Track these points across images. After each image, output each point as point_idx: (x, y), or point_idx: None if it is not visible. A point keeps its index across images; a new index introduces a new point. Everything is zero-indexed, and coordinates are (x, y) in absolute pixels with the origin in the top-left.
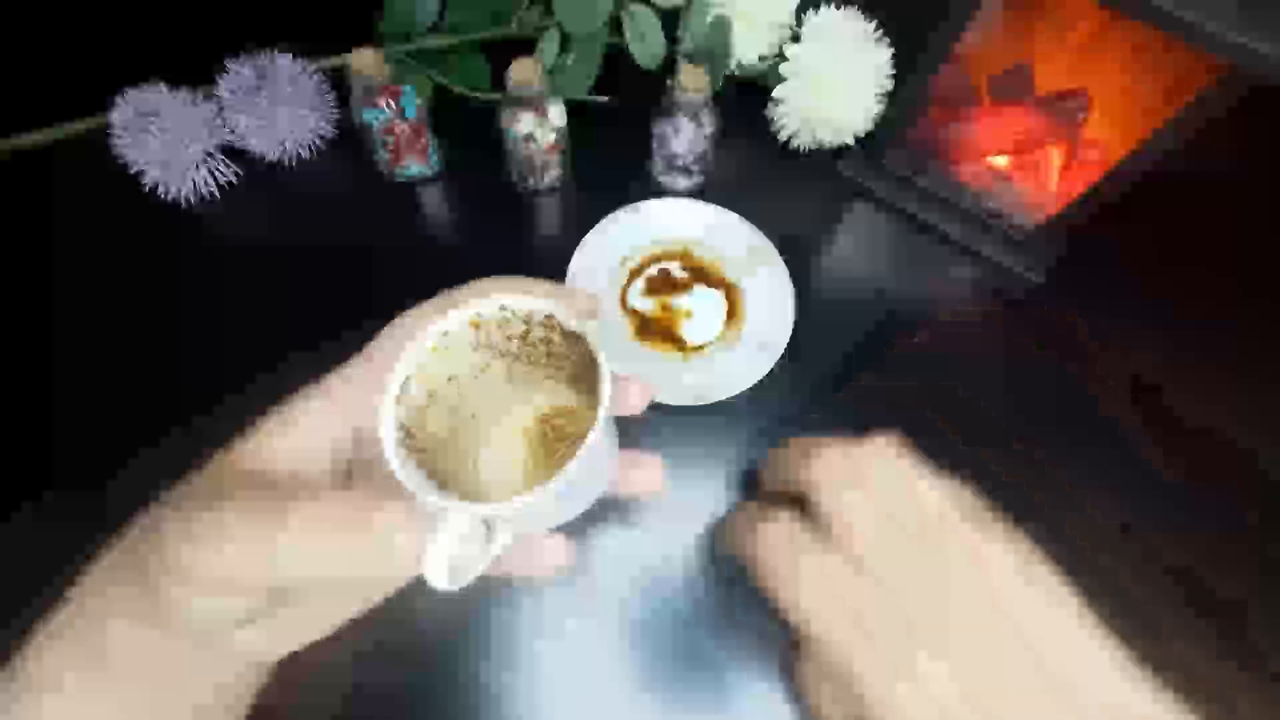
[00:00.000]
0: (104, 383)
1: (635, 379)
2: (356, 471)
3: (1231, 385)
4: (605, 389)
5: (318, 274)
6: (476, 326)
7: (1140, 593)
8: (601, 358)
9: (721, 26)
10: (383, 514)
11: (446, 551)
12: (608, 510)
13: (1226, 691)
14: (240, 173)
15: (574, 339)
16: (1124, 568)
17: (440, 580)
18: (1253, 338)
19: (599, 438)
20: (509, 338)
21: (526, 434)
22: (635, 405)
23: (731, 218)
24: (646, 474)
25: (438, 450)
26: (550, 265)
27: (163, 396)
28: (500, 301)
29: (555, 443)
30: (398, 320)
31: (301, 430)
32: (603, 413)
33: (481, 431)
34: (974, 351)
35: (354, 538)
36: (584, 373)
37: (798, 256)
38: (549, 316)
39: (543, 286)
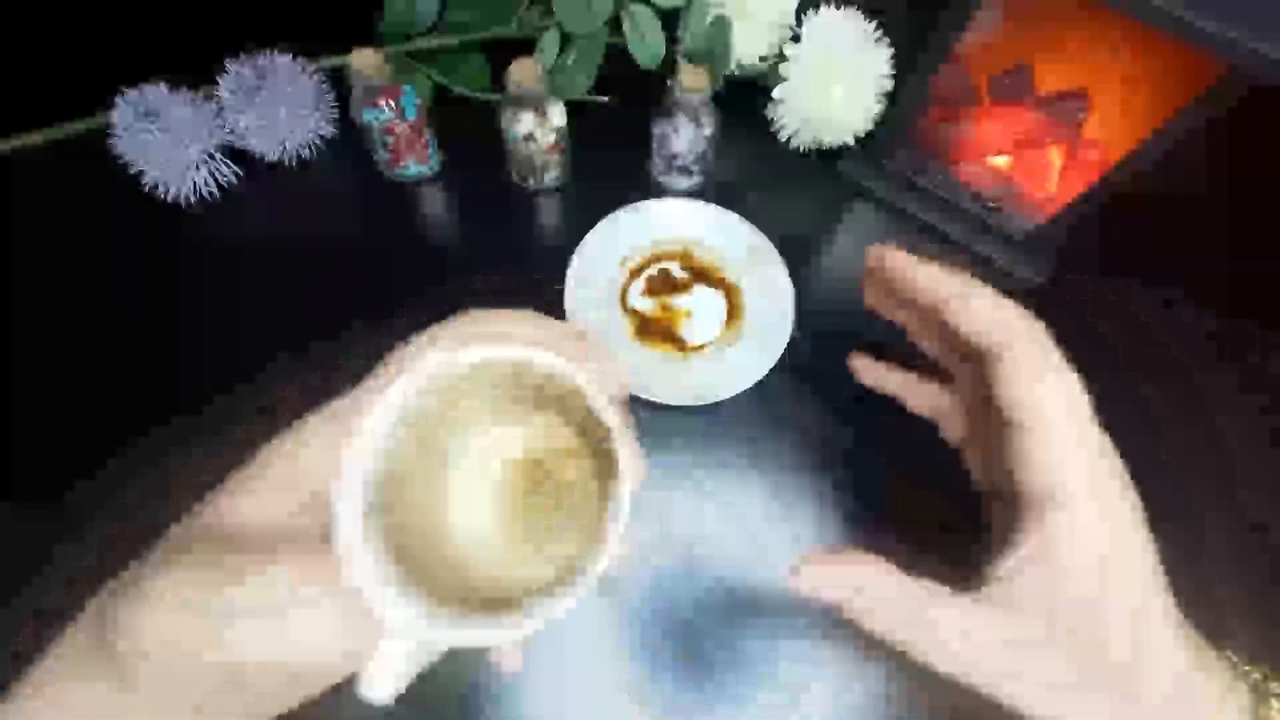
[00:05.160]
0: (104, 382)
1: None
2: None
3: (1231, 387)
4: (622, 493)
5: (318, 274)
6: (464, 376)
7: None
8: (618, 444)
9: (721, 26)
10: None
11: (396, 663)
12: None
13: None
14: (240, 173)
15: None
16: None
17: (383, 691)
18: (1251, 338)
19: (605, 560)
20: (494, 387)
21: (510, 482)
22: (620, 389)
23: (731, 218)
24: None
25: (406, 505)
26: (550, 265)
27: (162, 396)
28: (512, 357)
29: (545, 486)
30: (390, 358)
31: (271, 484)
32: (614, 531)
33: (460, 477)
34: None
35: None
36: (581, 413)
37: (798, 256)
38: (540, 369)
39: (551, 331)
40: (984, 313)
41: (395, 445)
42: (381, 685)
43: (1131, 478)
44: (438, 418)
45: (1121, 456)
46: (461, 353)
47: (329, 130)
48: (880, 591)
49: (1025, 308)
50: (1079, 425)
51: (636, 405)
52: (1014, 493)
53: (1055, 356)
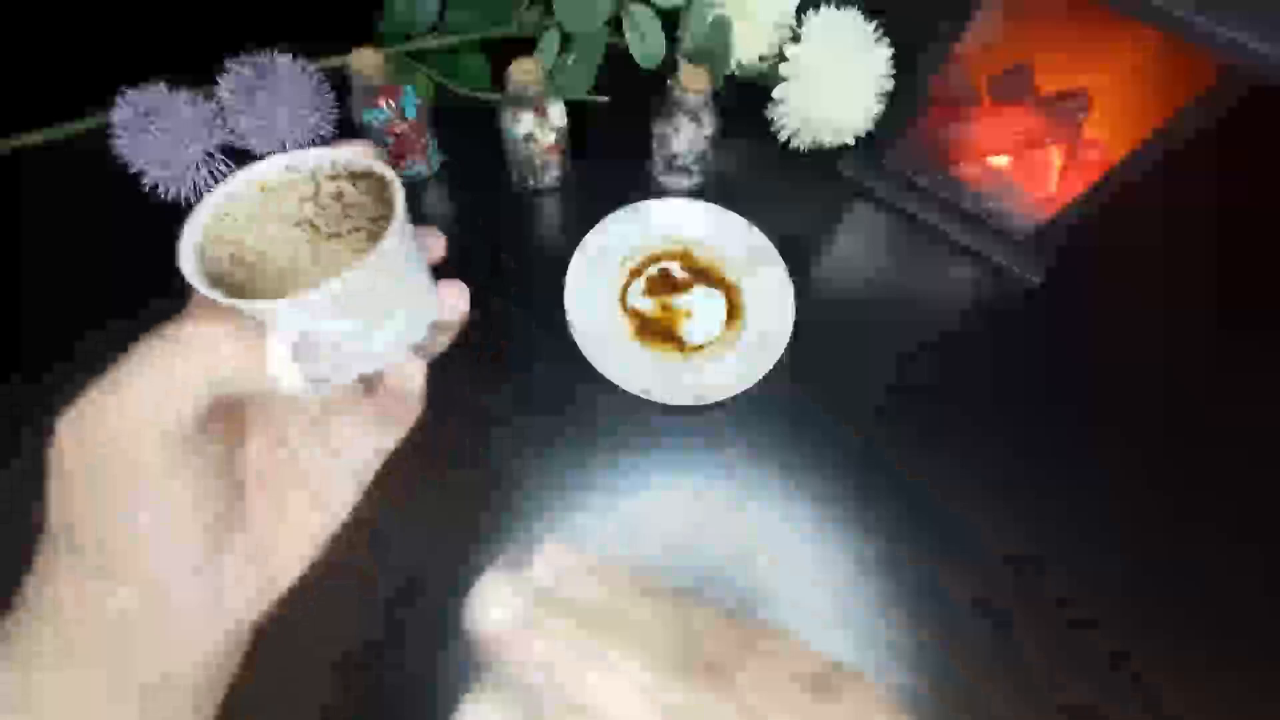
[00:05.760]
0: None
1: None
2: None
3: (1231, 387)
4: (399, 198)
5: None
6: (263, 190)
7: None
8: (390, 177)
9: (721, 26)
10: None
11: (286, 343)
12: (606, 510)
13: None
14: None
15: (365, 184)
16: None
17: (290, 381)
18: (1249, 336)
19: (396, 237)
20: (302, 201)
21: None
22: (457, 308)
23: (731, 218)
24: (451, 297)
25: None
26: (550, 265)
27: None
28: (283, 161)
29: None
30: None
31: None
32: (398, 208)
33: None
34: (972, 350)
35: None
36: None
37: (798, 256)
38: (334, 164)
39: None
40: None
41: (222, 220)
42: (287, 375)
43: (1131, 478)
44: (249, 240)
45: (1121, 456)
46: (261, 166)
47: (329, 130)
48: None
49: (1024, 307)
50: None
51: (637, 405)
52: None
53: None
